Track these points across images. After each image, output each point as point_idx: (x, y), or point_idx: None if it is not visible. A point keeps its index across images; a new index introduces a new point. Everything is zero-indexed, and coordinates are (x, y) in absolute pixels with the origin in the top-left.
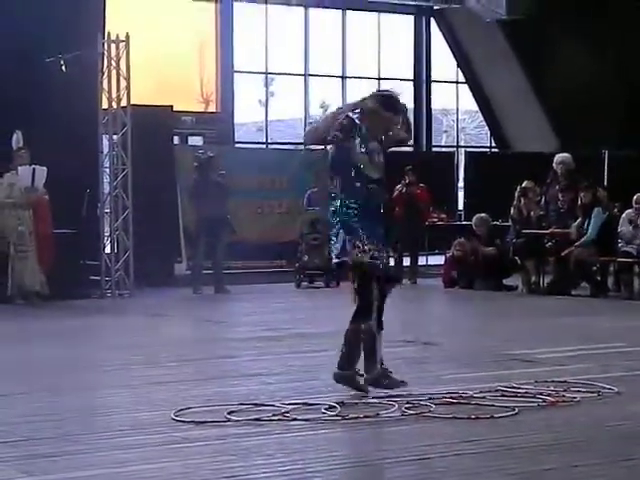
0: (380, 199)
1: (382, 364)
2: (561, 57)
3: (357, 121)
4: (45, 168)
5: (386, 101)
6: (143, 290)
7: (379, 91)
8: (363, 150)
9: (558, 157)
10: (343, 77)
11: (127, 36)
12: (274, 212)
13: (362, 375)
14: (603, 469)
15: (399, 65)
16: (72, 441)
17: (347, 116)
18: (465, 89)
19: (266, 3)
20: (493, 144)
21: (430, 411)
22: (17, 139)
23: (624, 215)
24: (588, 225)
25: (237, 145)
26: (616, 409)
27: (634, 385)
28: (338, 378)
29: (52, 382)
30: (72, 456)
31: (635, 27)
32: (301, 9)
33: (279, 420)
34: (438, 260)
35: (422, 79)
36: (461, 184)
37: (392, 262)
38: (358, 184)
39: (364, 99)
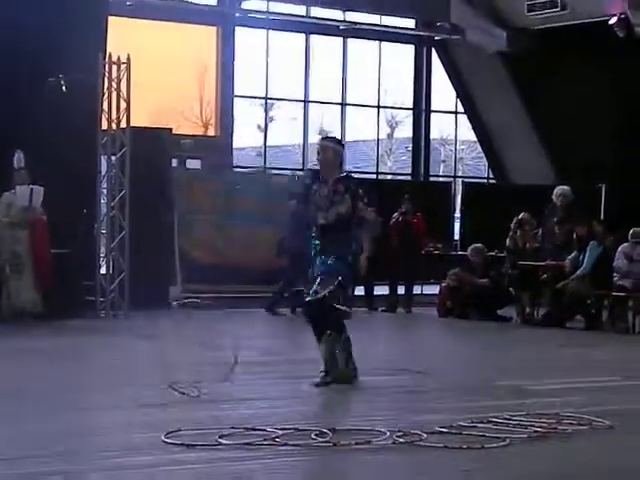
0: None
1: None
2: (560, 91)
3: None
4: (42, 188)
5: None
6: (138, 311)
7: None
8: None
9: (558, 189)
10: (343, 104)
11: (128, 58)
12: (270, 238)
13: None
14: None
15: (399, 94)
16: (66, 461)
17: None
18: (464, 120)
19: (267, 29)
20: (491, 175)
21: (421, 440)
22: (19, 159)
23: (620, 249)
24: (583, 258)
25: (235, 169)
26: (607, 443)
27: (626, 419)
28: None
29: (42, 402)
30: (67, 475)
31: (634, 64)
32: (302, 35)
33: (270, 445)
34: (433, 290)
35: (421, 108)
36: (457, 214)
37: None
38: None
39: None
